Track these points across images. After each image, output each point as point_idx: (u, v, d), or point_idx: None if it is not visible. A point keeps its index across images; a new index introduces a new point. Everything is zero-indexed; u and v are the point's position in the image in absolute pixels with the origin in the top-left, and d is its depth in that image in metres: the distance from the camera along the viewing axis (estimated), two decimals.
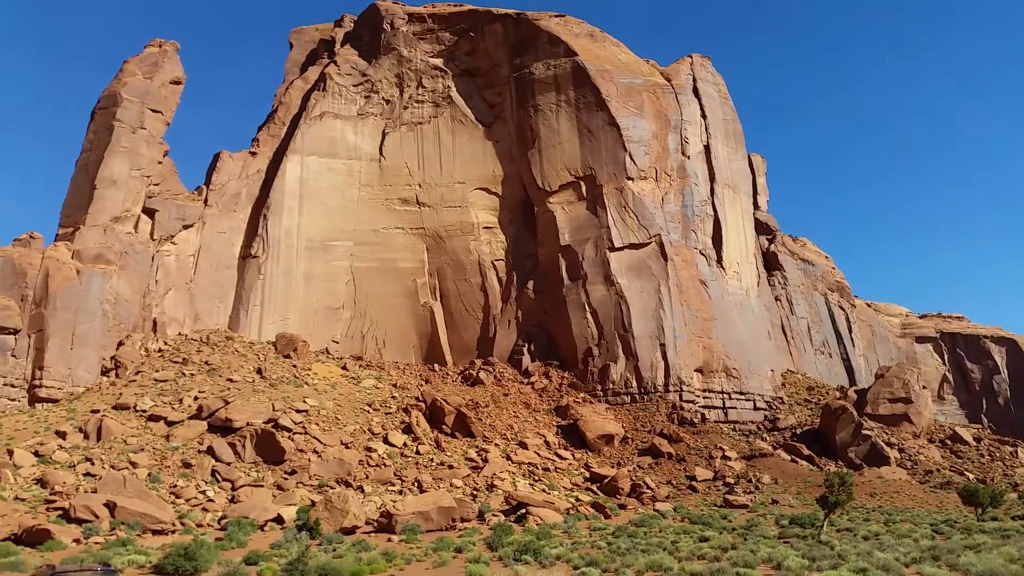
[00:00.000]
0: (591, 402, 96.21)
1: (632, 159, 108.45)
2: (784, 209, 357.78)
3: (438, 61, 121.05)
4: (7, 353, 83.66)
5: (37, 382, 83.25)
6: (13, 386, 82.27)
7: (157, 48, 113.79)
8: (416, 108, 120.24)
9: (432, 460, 77.27)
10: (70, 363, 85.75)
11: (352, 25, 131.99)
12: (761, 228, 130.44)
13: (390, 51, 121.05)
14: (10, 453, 65.07)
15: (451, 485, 72.16)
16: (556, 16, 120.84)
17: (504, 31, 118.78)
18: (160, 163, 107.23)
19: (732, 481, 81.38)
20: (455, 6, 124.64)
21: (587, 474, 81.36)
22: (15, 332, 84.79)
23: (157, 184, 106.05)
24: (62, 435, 70.22)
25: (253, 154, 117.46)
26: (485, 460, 78.59)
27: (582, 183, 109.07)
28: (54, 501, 56.53)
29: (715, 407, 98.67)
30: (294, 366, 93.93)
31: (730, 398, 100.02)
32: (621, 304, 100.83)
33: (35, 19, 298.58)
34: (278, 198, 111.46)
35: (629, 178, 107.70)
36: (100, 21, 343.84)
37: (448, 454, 79.39)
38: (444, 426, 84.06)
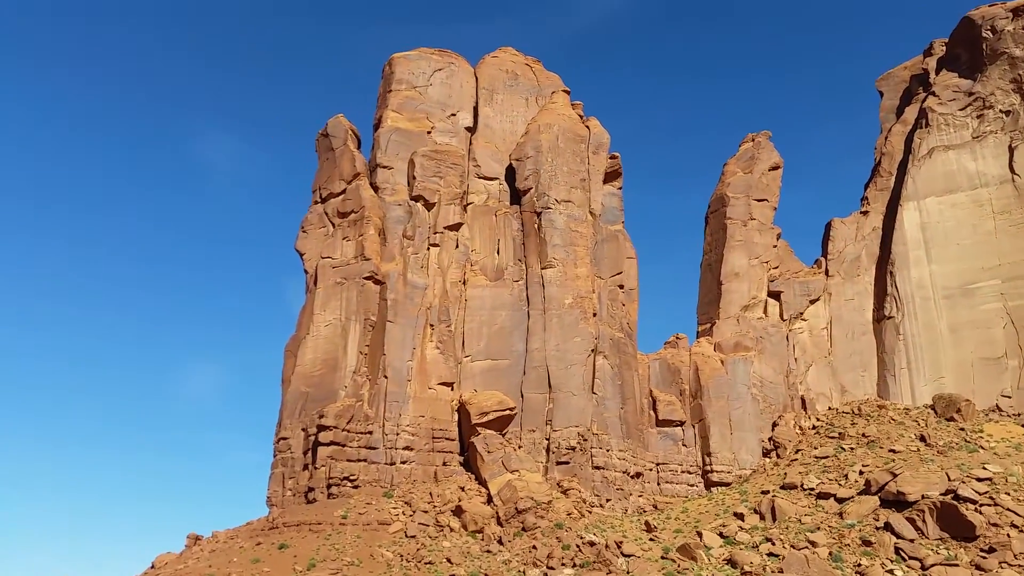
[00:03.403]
0: None
1: None
2: None
3: None
4: (678, 443, 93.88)
5: (708, 467, 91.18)
6: (689, 472, 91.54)
7: (750, 143, 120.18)
8: None
9: None
10: (732, 447, 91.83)
11: (943, 49, 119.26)
12: None
13: (997, 58, 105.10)
14: (699, 535, 70.71)
15: None
16: None
17: None
18: (775, 247, 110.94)
19: None
20: None
21: None
22: (681, 424, 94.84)
23: (776, 267, 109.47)
24: (740, 516, 73.66)
25: (864, 213, 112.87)
26: None
27: None
28: None
29: None
30: (961, 429, 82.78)
31: None
32: None
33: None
34: (901, 251, 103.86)
35: None
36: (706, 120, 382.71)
37: None
38: None
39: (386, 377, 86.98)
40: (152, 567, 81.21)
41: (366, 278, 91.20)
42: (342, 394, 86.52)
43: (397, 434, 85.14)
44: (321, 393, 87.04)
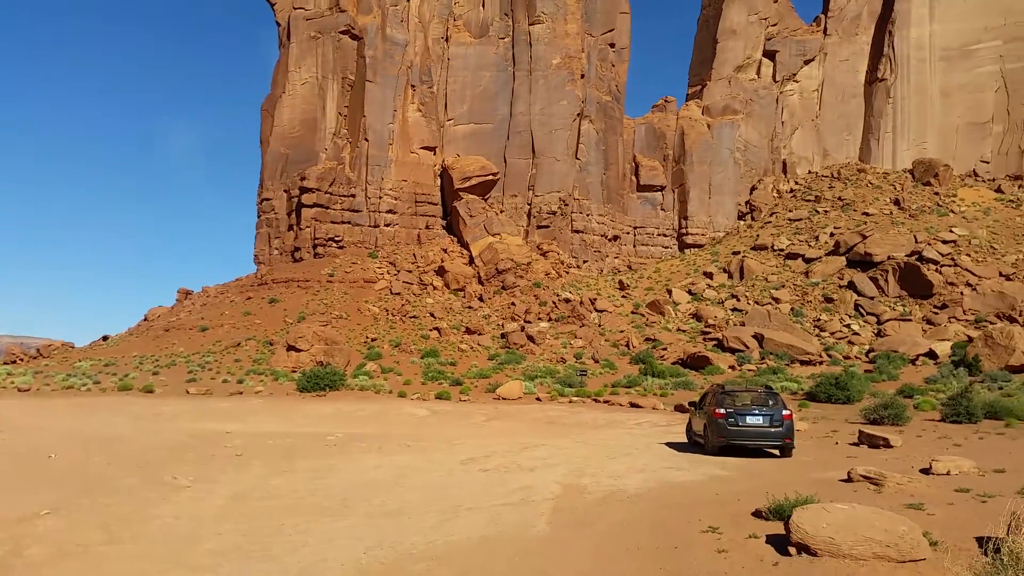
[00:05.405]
0: None
1: None
2: None
3: None
4: (657, 208, 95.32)
5: (684, 230, 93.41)
6: (664, 235, 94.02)
7: None
8: None
9: None
10: (709, 211, 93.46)
11: None
12: None
13: None
14: (669, 292, 74.06)
15: None
16: None
17: None
18: (776, 2, 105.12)
19: None
20: None
21: None
22: (661, 189, 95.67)
23: (775, 25, 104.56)
24: (709, 275, 76.78)
25: None
26: None
27: None
28: (709, 332, 62.38)
29: None
30: (936, 193, 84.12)
31: None
32: None
33: None
34: (903, 9, 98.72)
35: None
36: None
37: None
38: None
39: (367, 140, 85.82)
40: (145, 319, 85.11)
41: (342, 32, 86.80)
42: (323, 156, 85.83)
43: (380, 197, 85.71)
44: (301, 155, 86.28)
